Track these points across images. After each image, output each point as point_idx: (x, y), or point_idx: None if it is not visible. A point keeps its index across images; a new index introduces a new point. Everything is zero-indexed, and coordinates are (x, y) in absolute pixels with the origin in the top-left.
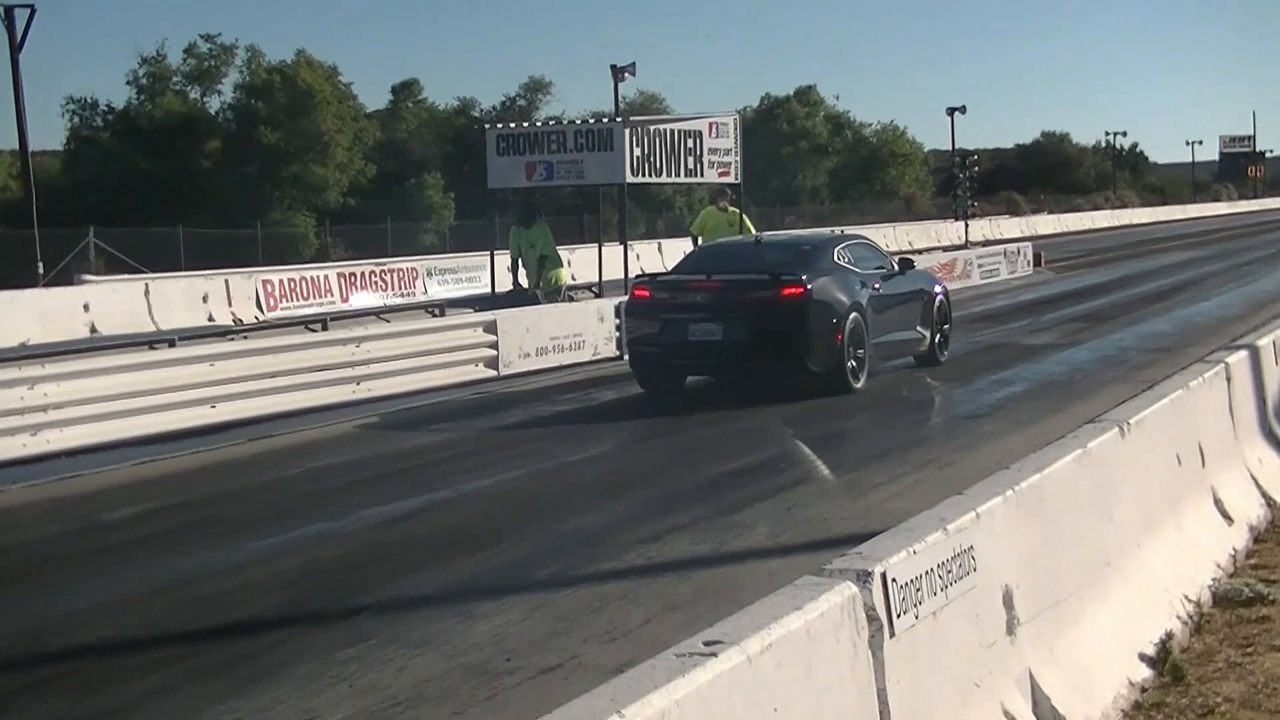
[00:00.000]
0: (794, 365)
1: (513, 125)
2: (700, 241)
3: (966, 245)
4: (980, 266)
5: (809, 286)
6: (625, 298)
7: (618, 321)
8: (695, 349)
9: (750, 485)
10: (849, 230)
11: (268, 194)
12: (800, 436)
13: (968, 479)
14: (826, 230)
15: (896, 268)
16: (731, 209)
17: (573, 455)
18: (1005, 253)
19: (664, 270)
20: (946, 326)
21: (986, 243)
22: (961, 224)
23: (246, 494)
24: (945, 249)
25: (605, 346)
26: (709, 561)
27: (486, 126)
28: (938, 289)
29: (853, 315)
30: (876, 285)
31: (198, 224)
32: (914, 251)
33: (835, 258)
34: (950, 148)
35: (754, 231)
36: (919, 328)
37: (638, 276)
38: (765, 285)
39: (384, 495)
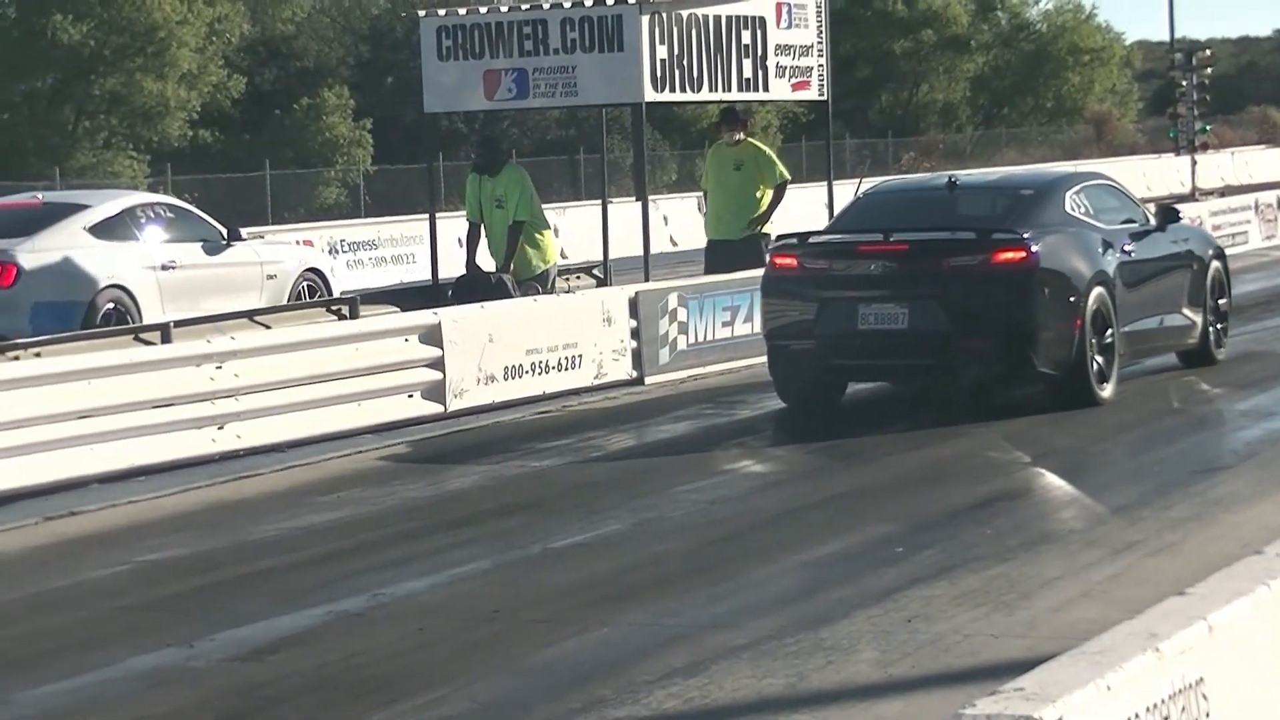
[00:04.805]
0: (1014, 365)
1: (463, 12)
2: (707, 197)
3: (1195, 195)
4: (1218, 230)
5: (1035, 249)
6: (645, 287)
7: (634, 324)
8: (869, 343)
9: (849, 581)
10: (1011, 171)
11: (69, 124)
12: (939, 498)
13: (1194, 571)
14: (1052, 167)
15: (1152, 221)
16: (749, 141)
17: (562, 538)
18: (1258, 206)
19: (819, 229)
20: (1224, 302)
21: (1227, 190)
22: (1186, 160)
23: (33, 605)
24: (1160, 202)
25: (615, 364)
26: (780, 706)
27: (422, 15)
28: (1212, 252)
29: (1097, 291)
30: (1127, 247)
31: None
32: None
33: (1068, 206)
34: (1168, 38)
35: (784, 173)
36: (1186, 310)
37: (781, 238)
38: (971, 248)
39: (253, 606)
